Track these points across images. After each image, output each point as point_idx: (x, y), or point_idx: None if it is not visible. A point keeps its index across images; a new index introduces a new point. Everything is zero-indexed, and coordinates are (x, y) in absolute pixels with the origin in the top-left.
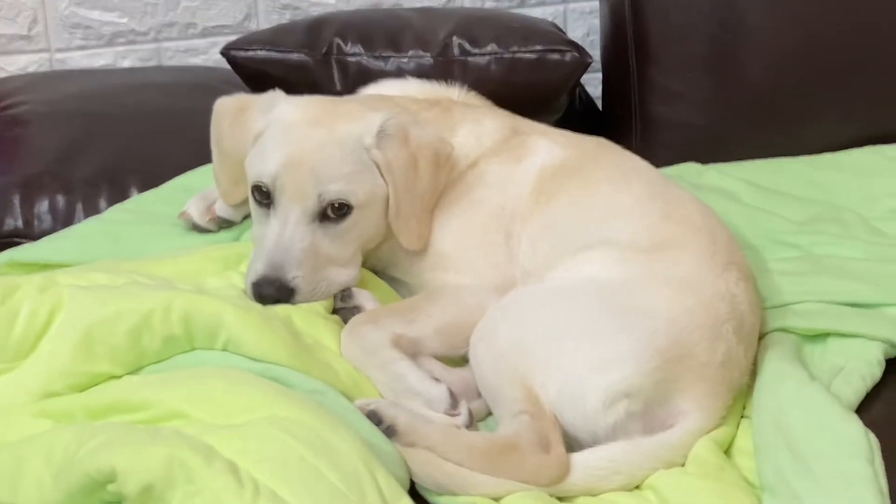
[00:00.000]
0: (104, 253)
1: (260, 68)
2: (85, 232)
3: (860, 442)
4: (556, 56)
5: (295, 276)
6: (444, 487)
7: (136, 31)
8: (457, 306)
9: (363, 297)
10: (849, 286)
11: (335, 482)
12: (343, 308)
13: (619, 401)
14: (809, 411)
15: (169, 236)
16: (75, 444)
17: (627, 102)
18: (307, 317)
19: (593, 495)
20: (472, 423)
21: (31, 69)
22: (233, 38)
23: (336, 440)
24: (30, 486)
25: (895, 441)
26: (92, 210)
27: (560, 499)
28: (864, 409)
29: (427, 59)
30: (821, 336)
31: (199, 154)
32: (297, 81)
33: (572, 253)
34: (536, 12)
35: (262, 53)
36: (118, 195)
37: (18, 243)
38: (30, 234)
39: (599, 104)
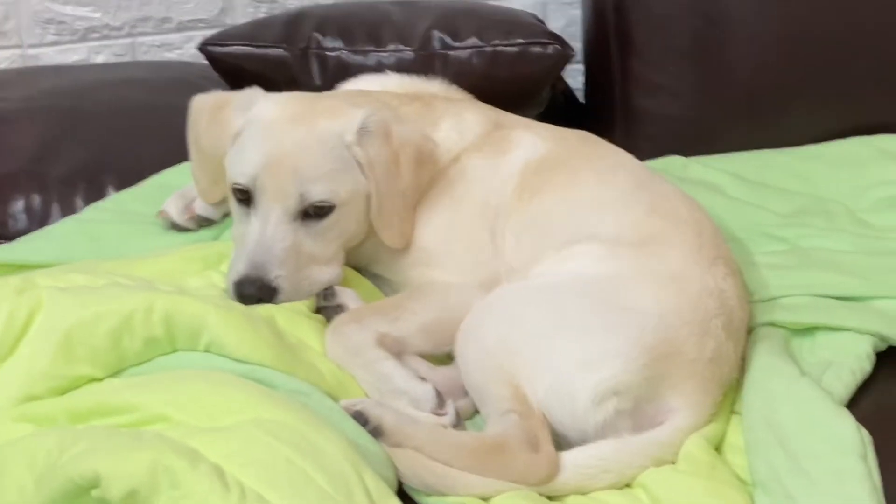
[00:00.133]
0: (82, 253)
1: (238, 64)
2: (62, 232)
3: (853, 438)
4: (538, 49)
5: (277, 275)
6: (433, 488)
7: (109, 26)
8: (441, 303)
9: (346, 296)
10: (836, 279)
11: (322, 484)
12: (326, 307)
13: (608, 398)
14: (800, 407)
15: (148, 236)
16: (57, 450)
17: (610, 95)
18: (290, 316)
19: (583, 494)
20: (459, 423)
21: (2, 65)
22: (208, 32)
23: (322, 441)
24: (11, 493)
25: (886, 436)
26: (68, 210)
27: (550, 498)
28: (854, 403)
29: (407, 53)
30: (809, 330)
31: (176, 151)
32: (276, 77)
33: (557, 248)
34: (516, 3)
35: (239, 49)
36: (95, 194)
37: None
38: (5, 234)
39: (580, 96)
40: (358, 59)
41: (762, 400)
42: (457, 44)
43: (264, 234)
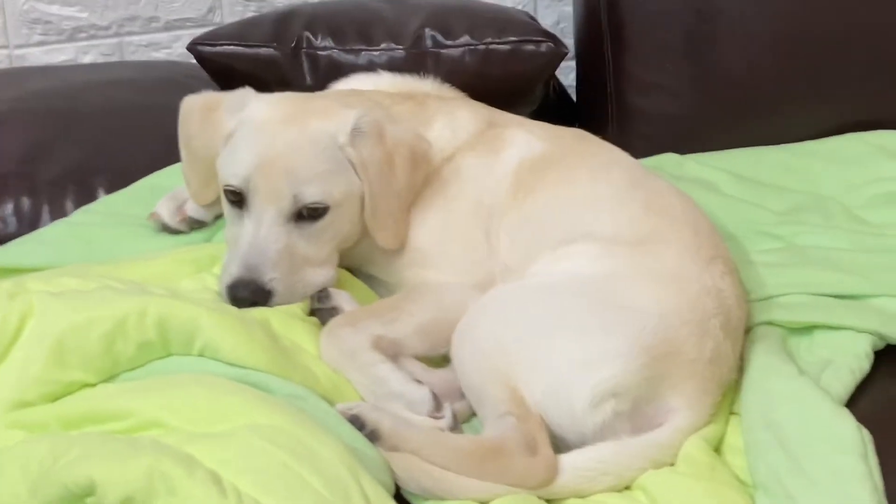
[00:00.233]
0: (74, 256)
1: (228, 63)
2: (53, 235)
3: (853, 438)
4: (531, 47)
5: (271, 277)
6: (430, 492)
7: (97, 26)
8: (437, 304)
9: (341, 298)
10: (834, 277)
11: (319, 489)
12: (321, 309)
13: (606, 400)
14: (800, 407)
15: (139, 238)
16: (51, 457)
17: (603, 93)
18: (285, 319)
19: (582, 497)
20: (456, 426)
21: None
22: (196, 31)
23: (318, 446)
24: (5, 500)
25: (886, 435)
26: (58, 212)
27: (548, 501)
28: (853, 403)
29: (399, 51)
30: (807, 329)
31: (167, 152)
32: (267, 76)
33: (553, 247)
34: (507, 0)
35: (229, 48)
36: (85, 197)
37: None
38: None
39: (572, 93)
40: (349, 58)
41: (761, 400)
42: (449, 42)
43: (258, 236)
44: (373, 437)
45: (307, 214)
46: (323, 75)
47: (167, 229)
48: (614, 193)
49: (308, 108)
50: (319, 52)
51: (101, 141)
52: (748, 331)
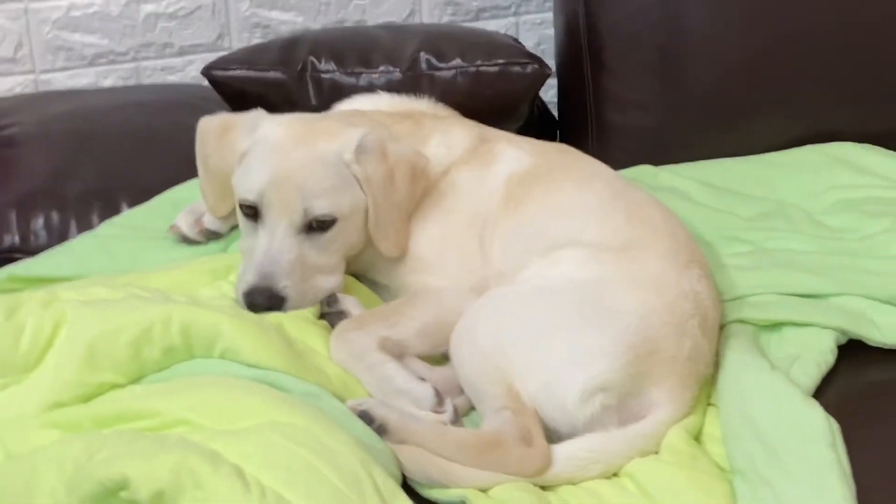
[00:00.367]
0: (99, 267)
1: (239, 86)
2: (80, 247)
3: (822, 428)
4: (517, 68)
5: (284, 285)
6: (435, 481)
7: (115, 52)
8: (437, 308)
9: (348, 302)
10: (800, 278)
11: (335, 482)
12: (329, 313)
13: (595, 395)
14: (773, 399)
15: (160, 249)
16: (85, 454)
17: (583, 110)
18: (298, 323)
19: (574, 484)
20: (457, 419)
21: (17, 90)
22: (207, 56)
23: (333, 442)
24: (44, 497)
25: (850, 424)
26: (85, 225)
27: (544, 488)
28: (820, 394)
29: (397, 74)
30: (776, 326)
31: (184, 169)
32: (275, 98)
33: (542, 253)
34: (491, 24)
35: (240, 72)
36: (110, 211)
37: (16, 258)
38: (27, 249)
39: (552, 109)
40: (351, 80)
41: (736, 393)
42: (442, 65)
43: (271, 246)
44: (381, 431)
45: (317, 226)
46: (327, 96)
47: (186, 240)
48: (599, 204)
49: (316, 128)
50: (323, 75)
51: (122, 159)
52: (722, 328)
